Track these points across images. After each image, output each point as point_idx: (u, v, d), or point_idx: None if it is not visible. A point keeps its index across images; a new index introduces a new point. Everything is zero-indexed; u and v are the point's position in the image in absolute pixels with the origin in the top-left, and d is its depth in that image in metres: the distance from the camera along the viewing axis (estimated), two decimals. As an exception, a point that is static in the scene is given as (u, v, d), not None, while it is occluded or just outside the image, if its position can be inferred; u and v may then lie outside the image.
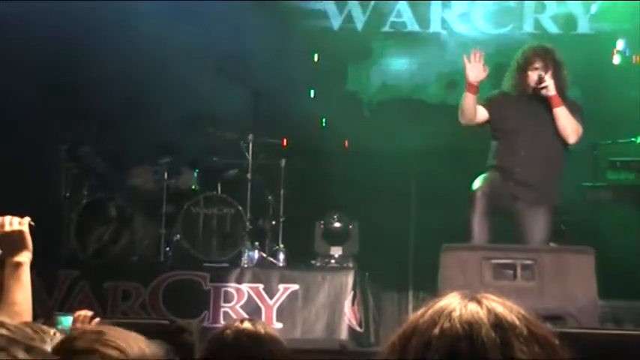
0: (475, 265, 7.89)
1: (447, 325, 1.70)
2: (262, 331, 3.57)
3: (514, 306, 1.79)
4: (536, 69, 8.26)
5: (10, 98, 10.21)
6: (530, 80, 8.22)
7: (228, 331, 3.56)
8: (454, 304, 1.76)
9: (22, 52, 10.54)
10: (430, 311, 1.76)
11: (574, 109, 8.30)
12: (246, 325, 3.58)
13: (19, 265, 4.07)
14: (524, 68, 8.32)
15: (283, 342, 3.60)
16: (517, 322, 1.72)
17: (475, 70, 8.13)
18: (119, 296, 9.13)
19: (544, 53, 8.39)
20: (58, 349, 2.63)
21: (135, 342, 2.57)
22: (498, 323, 1.71)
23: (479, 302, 1.75)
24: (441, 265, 7.92)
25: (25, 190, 9.86)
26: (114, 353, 2.51)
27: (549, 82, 8.17)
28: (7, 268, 4.06)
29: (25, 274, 4.06)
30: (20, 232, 4.12)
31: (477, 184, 8.18)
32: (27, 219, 4.16)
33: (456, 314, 1.74)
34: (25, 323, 3.45)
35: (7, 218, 4.13)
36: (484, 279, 7.84)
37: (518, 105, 8.36)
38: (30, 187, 10.04)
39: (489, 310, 1.74)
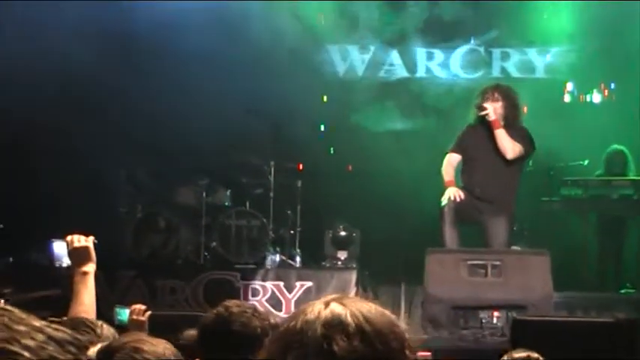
0: (453, 264, 7.90)
1: (292, 324, 1.64)
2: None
3: (365, 307, 1.63)
4: (487, 99, 8.27)
5: (74, 135, 10.22)
6: (481, 107, 8.24)
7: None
8: (312, 306, 1.67)
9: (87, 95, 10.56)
10: (295, 314, 1.68)
11: (519, 133, 8.27)
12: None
13: (85, 273, 4.12)
14: (479, 99, 8.34)
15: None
16: (349, 320, 1.59)
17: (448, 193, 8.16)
18: (167, 292, 9.11)
19: (494, 88, 8.42)
20: (100, 355, 2.64)
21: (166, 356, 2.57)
22: (330, 320, 1.60)
23: (327, 304, 1.62)
24: (426, 264, 7.92)
25: (93, 208, 9.87)
26: None
27: (490, 109, 8.18)
28: (76, 276, 4.12)
29: (91, 281, 4.12)
30: (86, 248, 4.18)
31: (444, 200, 8.19)
32: (91, 238, 4.22)
33: (304, 315, 1.64)
34: (82, 320, 3.49)
35: (76, 237, 4.20)
36: (461, 276, 7.85)
37: (477, 135, 8.36)
38: (96, 205, 10.05)
39: (331, 310, 1.62)
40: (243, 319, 3.14)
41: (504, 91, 8.38)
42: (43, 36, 9.98)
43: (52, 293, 6.98)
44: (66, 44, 9.87)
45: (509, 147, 8.16)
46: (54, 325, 1.39)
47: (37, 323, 1.38)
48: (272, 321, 3.20)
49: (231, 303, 3.26)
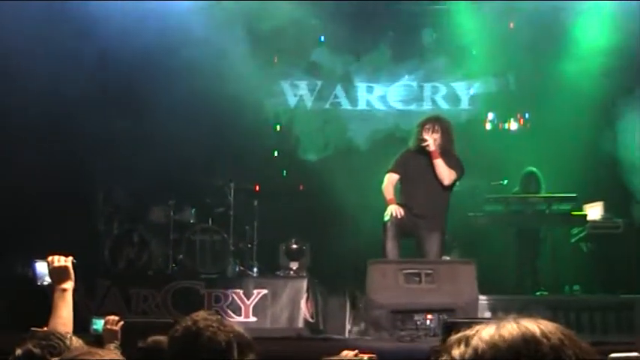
0: (392, 273, 7.85)
1: None
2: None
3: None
4: (428, 130, 8.25)
5: (59, 156, 10.05)
6: (421, 139, 8.23)
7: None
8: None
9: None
10: None
11: (454, 161, 8.27)
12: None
13: (64, 290, 4.03)
14: (419, 130, 8.33)
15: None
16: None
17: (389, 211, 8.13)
18: (141, 299, 8.97)
19: (434, 121, 8.40)
20: None
21: None
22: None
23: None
24: (368, 273, 7.87)
25: (73, 226, 9.68)
26: None
27: (430, 141, 8.16)
28: (55, 292, 4.03)
29: (69, 297, 4.03)
30: (66, 267, 4.09)
31: (387, 216, 8.15)
32: (70, 258, 4.13)
33: None
34: (52, 332, 3.38)
35: (57, 257, 4.11)
36: (398, 283, 7.80)
37: (415, 159, 8.33)
38: (77, 224, 9.86)
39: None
40: (209, 332, 3.04)
41: (443, 123, 8.38)
42: (18, 58, 9.67)
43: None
44: (45, 68, 9.65)
45: (447, 175, 8.16)
46: None
47: None
48: (237, 331, 3.10)
49: (199, 316, 3.15)
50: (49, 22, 9.83)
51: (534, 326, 1.44)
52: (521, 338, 1.41)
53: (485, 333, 1.44)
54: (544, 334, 1.42)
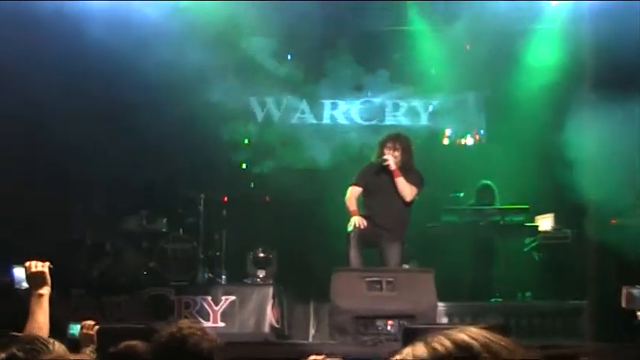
0: (355, 281, 7.89)
1: None
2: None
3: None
4: (389, 148, 8.31)
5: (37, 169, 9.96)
6: (383, 159, 8.28)
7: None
8: None
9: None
10: None
11: (414, 177, 8.33)
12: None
13: (41, 295, 3.99)
14: (381, 148, 8.39)
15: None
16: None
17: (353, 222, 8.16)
18: (114, 306, 8.92)
19: (394, 139, 8.46)
20: None
21: None
22: None
23: None
24: (333, 281, 7.91)
25: (49, 235, 9.59)
26: None
27: (390, 160, 8.22)
28: (32, 298, 3.99)
29: (45, 302, 3.99)
30: (43, 273, 4.05)
31: (350, 227, 8.19)
32: (47, 263, 4.10)
33: None
34: (36, 337, 3.37)
35: (34, 263, 4.07)
36: (361, 291, 7.84)
37: (376, 173, 8.39)
38: (51, 233, 9.77)
39: None
40: (193, 340, 3.06)
41: (403, 141, 8.45)
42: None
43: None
44: (23, 79, 9.56)
45: (408, 192, 8.24)
46: None
47: None
48: (218, 341, 3.12)
49: (184, 324, 3.16)
50: (22, 26, 9.72)
51: (460, 334, 1.49)
52: (454, 346, 1.46)
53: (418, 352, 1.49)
54: (472, 338, 1.47)
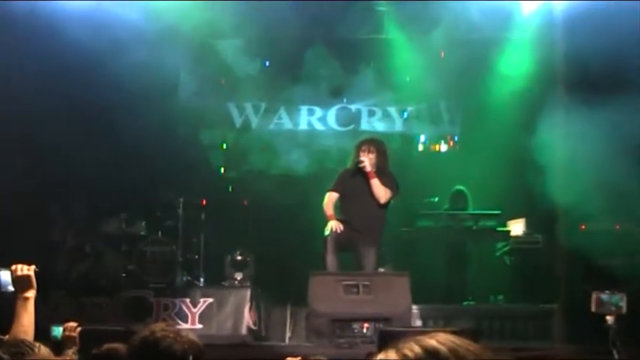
0: (332, 285, 7.96)
1: None
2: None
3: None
4: (364, 151, 8.40)
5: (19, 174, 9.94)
6: (359, 160, 8.38)
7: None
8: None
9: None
10: None
11: (389, 180, 8.42)
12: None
13: (26, 299, 4.03)
14: (357, 152, 8.47)
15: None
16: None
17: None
18: (94, 307, 8.94)
19: (369, 142, 8.56)
20: None
21: None
22: None
23: None
24: (310, 284, 7.97)
25: (28, 237, 9.59)
26: None
27: (366, 162, 8.31)
28: (18, 301, 4.02)
29: (31, 306, 4.02)
30: (28, 276, 4.08)
31: (327, 231, 8.26)
32: (33, 266, 4.12)
33: None
34: (22, 340, 3.43)
35: (20, 266, 4.09)
36: (338, 294, 7.91)
37: (353, 178, 8.46)
38: (31, 234, 9.77)
39: None
40: (166, 342, 3.10)
41: (377, 144, 8.54)
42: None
43: None
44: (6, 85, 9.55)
45: (382, 194, 8.31)
46: None
47: None
48: (192, 341, 3.15)
49: (157, 327, 3.21)
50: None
51: (430, 340, 1.58)
52: (423, 352, 1.56)
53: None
54: (440, 343, 1.57)
